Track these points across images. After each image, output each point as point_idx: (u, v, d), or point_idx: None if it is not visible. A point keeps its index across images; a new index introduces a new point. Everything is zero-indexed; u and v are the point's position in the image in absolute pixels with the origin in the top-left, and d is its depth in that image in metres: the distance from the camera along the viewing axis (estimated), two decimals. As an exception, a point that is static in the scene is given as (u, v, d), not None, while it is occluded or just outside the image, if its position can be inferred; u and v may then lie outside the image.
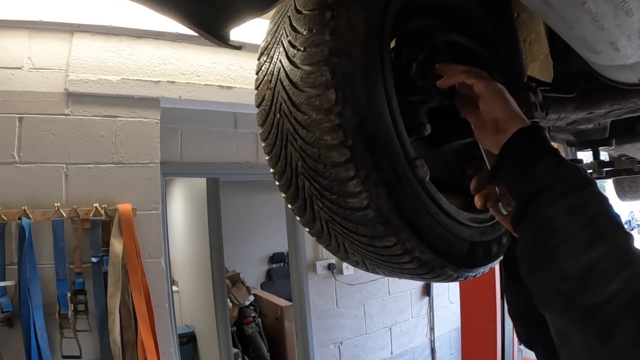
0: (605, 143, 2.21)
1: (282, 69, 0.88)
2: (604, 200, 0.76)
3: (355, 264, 1.05)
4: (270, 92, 0.91)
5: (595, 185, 0.78)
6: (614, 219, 0.74)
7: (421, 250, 0.92)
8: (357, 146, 0.82)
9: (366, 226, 0.88)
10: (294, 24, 0.88)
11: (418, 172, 0.91)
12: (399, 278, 1.10)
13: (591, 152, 2.50)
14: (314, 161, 0.85)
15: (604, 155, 3.22)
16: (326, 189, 0.87)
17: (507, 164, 0.86)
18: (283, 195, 0.98)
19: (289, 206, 0.99)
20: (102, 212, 2.83)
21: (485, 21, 1.21)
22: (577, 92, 1.37)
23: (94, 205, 2.82)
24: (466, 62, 1.13)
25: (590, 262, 0.70)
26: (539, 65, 1.36)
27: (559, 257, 0.73)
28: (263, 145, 0.97)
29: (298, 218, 1.00)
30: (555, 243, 0.74)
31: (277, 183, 0.98)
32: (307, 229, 1.01)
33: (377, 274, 1.08)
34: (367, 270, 1.07)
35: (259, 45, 1.00)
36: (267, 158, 0.97)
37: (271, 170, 0.97)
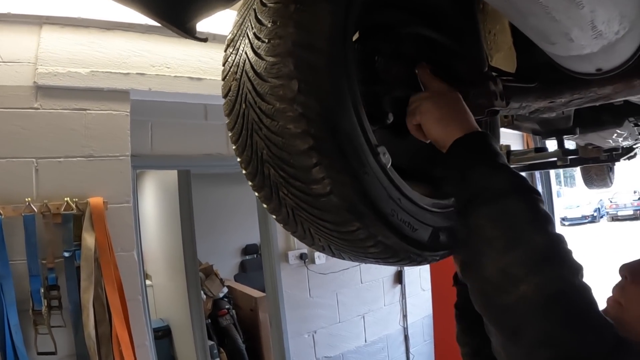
0: (570, 132, 2.27)
1: (247, 60, 0.90)
2: (529, 206, 0.83)
3: (322, 249, 1.07)
4: (236, 83, 0.93)
5: (524, 191, 0.85)
6: (537, 224, 0.81)
7: (384, 234, 0.94)
8: (319, 134, 0.84)
9: (330, 212, 0.90)
10: (259, 17, 0.90)
11: (380, 159, 0.94)
12: (364, 262, 1.13)
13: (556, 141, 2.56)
14: (278, 149, 0.87)
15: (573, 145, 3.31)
16: (291, 176, 0.89)
17: (448, 174, 0.95)
18: (250, 183, 1.00)
19: (256, 194, 1.01)
20: (74, 206, 2.81)
21: (450, 13, 1.24)
22: (539, 82, 1.41)
23: (65, 199, 2.80)
24: (430, 53, 1.19)
25: (504, 265, 0.77)
26: (502, 56, 1.40)
27: (481, 261, 0.81)
28: (230, 134, 0.98)
29: (265, 205, 1.02)
30: (478, 248, 0.83)
31: (243, 172, 0.99)
32: (274, 216, 1.03)
33: (343, 259, 1.11)
34: (333, 255, 1.10)
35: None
36: (234, 147, 0.98)
37: (238, 159, 0.99)
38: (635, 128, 2.76)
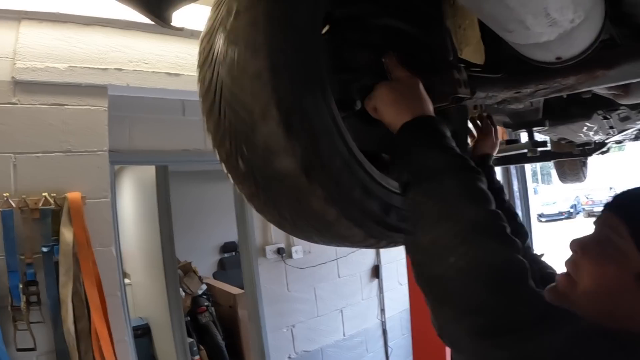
0: (539, 124, 2.33)
1: (221, 58, 0.95)
2: (463, 182, 0.88)
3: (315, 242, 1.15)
4: (211, 76, 0.98)
5: (460, 169, 0.91)
6: (470, 199, 0.86)
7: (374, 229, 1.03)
8: (292, 123, 0.89)
9: (313, 208, 0.96)
10: (231, 20, 0.94)
11: (349, 142, 0.99)
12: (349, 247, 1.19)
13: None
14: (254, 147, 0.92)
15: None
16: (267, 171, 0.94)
17: (397, 155, 1.01)
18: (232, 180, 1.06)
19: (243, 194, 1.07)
20: (52, 201, 2.81)
21: (417, 5, 1.30)
22: (505, 73, 1.48)
23: (43, 194, 2.79)
24: (397, 43, 1.24)
25: (436, 237, 0.83)
26: (472, 49, 1.46)
27: (417, 233, 0.87)
28: (211, 137, 1.04)
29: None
30: (415, 220, 0.88)
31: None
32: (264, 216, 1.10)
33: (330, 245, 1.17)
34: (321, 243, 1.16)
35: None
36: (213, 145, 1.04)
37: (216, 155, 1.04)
38: (605, 121, 2.83)
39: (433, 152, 0.93)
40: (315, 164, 0.91)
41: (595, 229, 1.00)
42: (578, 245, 1.00)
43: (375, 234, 1.06)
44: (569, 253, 1.01)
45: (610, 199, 1.02)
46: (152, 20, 1.01)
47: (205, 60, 1.01)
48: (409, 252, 0.91)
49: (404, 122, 0.99)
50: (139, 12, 0.99)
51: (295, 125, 0.89)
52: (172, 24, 1.08)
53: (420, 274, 0.86)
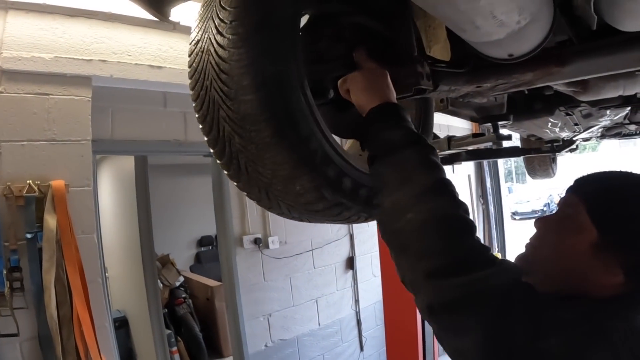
0: (504, 118, 2.47)
1: (211, 48, 1.06)
2: (419, 155, 1.03)
3: (281, 214, 1.25)
4: (202, 65, 1.08)
5: (417, 144, 1.06)
6: (424, 168, 1.01)
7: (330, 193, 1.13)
8: (271, 101, 1.02)
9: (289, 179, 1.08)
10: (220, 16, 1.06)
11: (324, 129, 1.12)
12: (323, 222, 1.31)
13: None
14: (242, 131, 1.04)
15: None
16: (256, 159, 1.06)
17: (366, 134, 1.14)
18: (218, 161, 1.16)
19: (225, 172, 1.18)
20: (36, 188, 2.86)
21: (386, 6, 1.43)
22: (467, 68, 1.61)
23: (28, 182, 2.84)
24: (367, 39, 1.38)
25: (396, 199, 0.98)
26: (439, 47, 1.61)
27: (381, 197, 1.02)
28: (195, 112, 1.14)
29: (235, 183, 1.19)
30: (379, 187, 1.04)
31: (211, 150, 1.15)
32: (252, 199, 1.21)
33: (298, 220, 1.28)
34: (285, 215, 1.27)
35: (189, 28, 1.18)
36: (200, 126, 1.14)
37: (205, 139, 1.14)
38: (569, 118, 2.97)
39: (395, 131, 1.08)
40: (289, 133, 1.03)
41: (558, 208, 1.18)
42: (542, 222, 1.19)
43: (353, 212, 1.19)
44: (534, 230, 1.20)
45: (571, 184, 1.18)
46: (153, 15, 1.11)
47: (196, 54, 1.11)
48: (375, 216, 1.08)
49: (373, 107, 1.14)
50: (142, 7, 1.09)
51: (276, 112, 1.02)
52: (169, 18, 1.18)
53: (385, 230, 1.01)
